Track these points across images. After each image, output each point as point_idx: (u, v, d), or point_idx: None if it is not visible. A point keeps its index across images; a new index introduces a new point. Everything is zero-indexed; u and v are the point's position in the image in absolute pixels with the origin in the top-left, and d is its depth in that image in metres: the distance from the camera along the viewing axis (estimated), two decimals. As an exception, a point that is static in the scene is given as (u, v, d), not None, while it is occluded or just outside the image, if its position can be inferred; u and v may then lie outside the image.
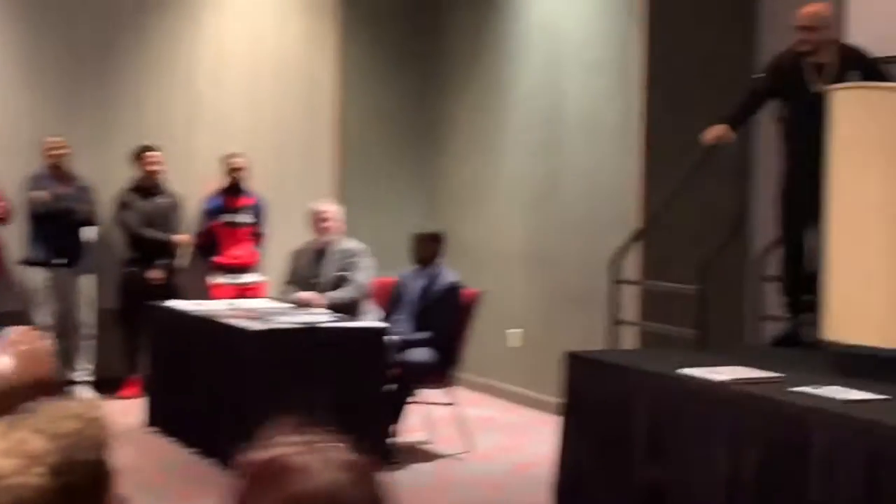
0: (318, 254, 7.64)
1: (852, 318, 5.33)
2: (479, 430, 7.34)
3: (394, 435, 6.76)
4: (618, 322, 6.85)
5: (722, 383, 5.04)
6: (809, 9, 6.20)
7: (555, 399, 6.33)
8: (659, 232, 7.11)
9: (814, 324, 6.08)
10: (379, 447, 6.24)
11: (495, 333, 8.59)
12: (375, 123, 9.60)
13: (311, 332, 6.62)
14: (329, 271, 7.54)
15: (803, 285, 6.31)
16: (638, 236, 7.01)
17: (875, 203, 5.24)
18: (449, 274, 7.23)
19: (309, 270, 7.62)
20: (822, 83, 6.04)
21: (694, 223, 7.20)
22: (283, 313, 7.09)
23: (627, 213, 7.64)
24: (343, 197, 8.99)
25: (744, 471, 4.72)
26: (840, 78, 6.03)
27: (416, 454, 7.04)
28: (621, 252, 6.87)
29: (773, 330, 6.50)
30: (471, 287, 7.34)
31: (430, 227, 7.90)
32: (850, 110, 5.43)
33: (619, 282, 6.85)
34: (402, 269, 7.43)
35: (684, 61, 7.65)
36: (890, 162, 5.19)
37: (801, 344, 6.26)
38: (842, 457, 4.35)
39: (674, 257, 7.19)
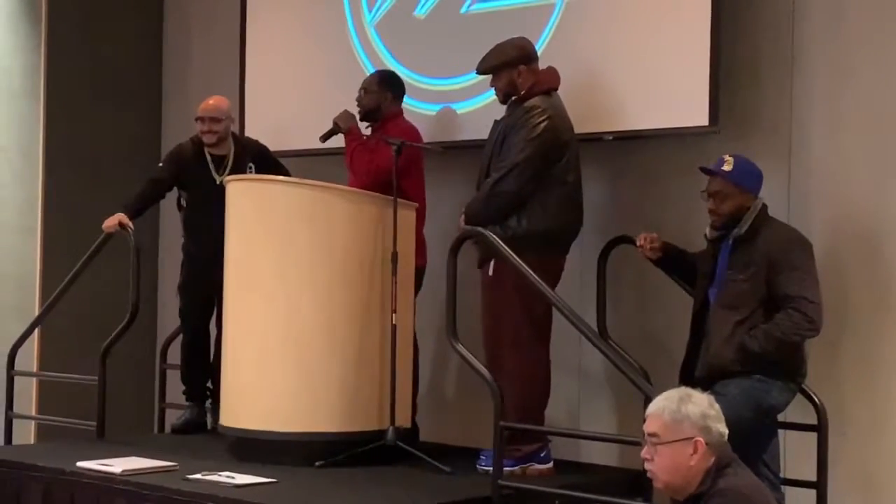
0: None
1: (247, 403, 5.45)
2: None
3: None
4: (13, 416, 6.55)
5: (115, 475, 5.00)
6: (211, 101, 6.34)
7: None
8: (59, 321, 6.91)
9: (214, 410, 6.20)
10: None
11: None
12: None
13: None
14: None
15: (205, 373, 6.39)
16: (35, 324, 6.76)
17: (269, 291, 5.41)
18: None
19: None
20: (221, 174, 6.19)
21: (95, 311, 7.08)
22: None
23: (28, 300, 7.38)
24: None
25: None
26: (238, 169, 6.22)
27: None
28: (19, 342, 6.59)
29: (176, 417, 6.49)
30: None
31: None
32: (246, 201, 5.59)
33: (17, 373, 6.56)
34: None
35: (83, 145, 7.59)
36: (282, 251, 5.39)
37: (202, 431, 6.34)
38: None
39: (75, 347, 7.02)
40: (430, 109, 6.29)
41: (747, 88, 5.46)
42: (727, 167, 4.69)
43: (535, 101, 5.25)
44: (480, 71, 5.47)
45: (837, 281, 5.05)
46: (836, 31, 5.26)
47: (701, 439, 3.31)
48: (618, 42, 5.66)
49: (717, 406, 3.38)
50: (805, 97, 5.33)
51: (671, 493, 3.40)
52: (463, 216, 5.31)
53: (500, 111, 5.46)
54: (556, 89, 5.36)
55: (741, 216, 4.66)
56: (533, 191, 5.17)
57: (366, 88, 6.00)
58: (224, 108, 6.37)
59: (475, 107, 6.11)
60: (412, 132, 5.86)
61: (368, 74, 6.18)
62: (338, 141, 5.96)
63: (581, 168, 5.34)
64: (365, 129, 6.00)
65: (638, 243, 5.11)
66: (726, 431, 3.36)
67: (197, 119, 6.32)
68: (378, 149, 5.63)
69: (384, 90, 5.97)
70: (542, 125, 5.17)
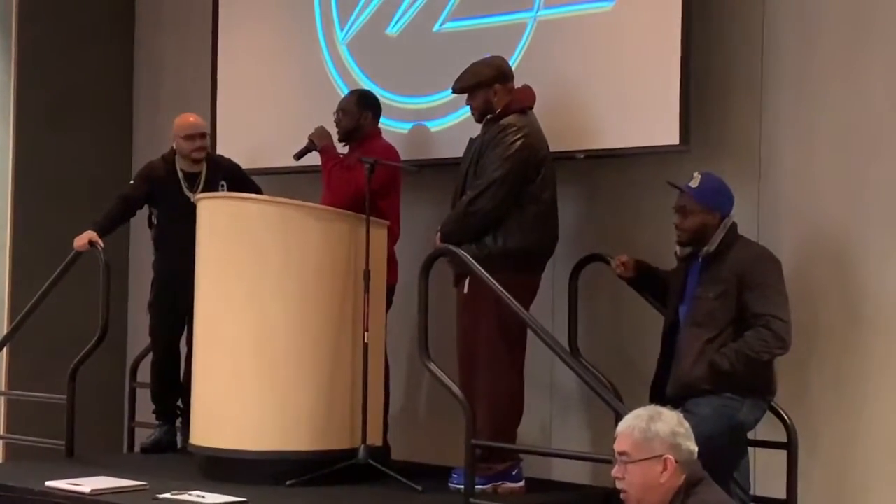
0: None
1: (217, 422, 5.43)
2: None
3: None
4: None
5: (84, 494, 4.97)
6: (192, 118, 6.33)
7: None
8: (28, 339, 6.87)
9: (185, 429, 6.17)
10: None
11: None
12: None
13: None
14: None
15: (175, 392, 6.36)
16: (3, 343, 6.71)
17: (240, 309, 5.40)
18: None
19: None
20: (194, 191, 6.19)
21: (64, 330, 7.03)
22: None
23: (-3, 320, 7.36)
24: None
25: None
26: (210, 187, 6.21)
27: None
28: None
29: (146, 437, 6.45)
30: None
31: None
32: (218, 218, 5.58)
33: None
34: None
35: (54, 164, 7.56)
36: (253, 269, 5.38)
37: (172, 450, 6.31)
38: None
39: (44, 365, 6.98)
40: (404, 128, 6.30)
41: (718, 108, 5.49)
42: (693, 183, 4.73)
43: (510, 119, 5.27)
44: (456, 90, 5.49)
45: (807, 299, 5.08)
46: (805, 52, 5.30)
47: (670, 457, 3.32)
48: (589, 61, 5.69)
49: (686, 424, 3.39)
50: (775, 117, 5.37)
51: (639, 512, 3.41)
52: (438, 234, 5.31)
53: (474, 129, 5.47)
54: (532, 107, 5.38)
55: (705, 233, 4.69)
56: (508, 209, 5.18)
57: (343, 109, 5.99)
58: (204, 126, 6.42)
59: (448, 124, 6.12)
60: (390, 151, 5.86)
61: (344, 95, 6.18)
62: (311, 159, 5.96)
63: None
64: (342, 147, 6.00)
65: (613, 265, 5.14)
66: (696, 449, 3.37)
67: (186, 137, 6.27)
68: (356, 167, 5.63)
69: (362, 110, 5.97)
70: (518, 143, 5.18)
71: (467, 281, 5.22)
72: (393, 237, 5.80)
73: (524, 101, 5.37)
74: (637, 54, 5.53)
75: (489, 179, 5.16)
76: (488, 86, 5.34)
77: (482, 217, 5.18)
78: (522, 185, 5.19)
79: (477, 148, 5.32)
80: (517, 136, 5.19)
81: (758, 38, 5.42)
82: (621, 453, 3.39)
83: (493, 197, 5.16)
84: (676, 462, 3.32)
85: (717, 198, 4.73)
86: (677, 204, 4.75)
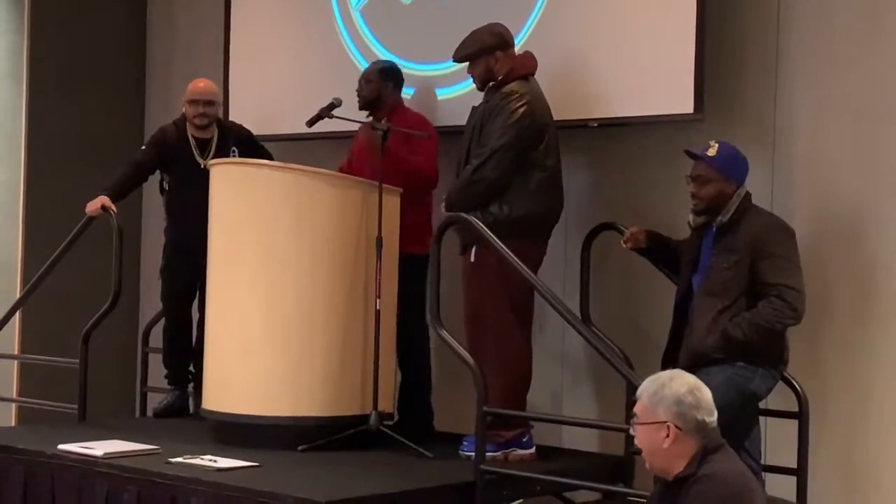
0: None
1: (230, 387, 5.45)
2: None
3: None
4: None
5: (96, 458, 5.00)
6: (201, 84, 6.31)
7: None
8: (41, 304, 6.89)
9: (197, 394, 6.20)
10: None
11: None
12: None
13: None
14: None
15: (187, 356, 6.38)
16: (16, 307, 6.73)
17: (252, 275, 5.41)
18: None
19: None
20: (205, 157, 6.18)
21: (77, 295, 7.05)
22: None
23: (10, 284, 7.36)
24: None
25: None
26: (222, 153, 6.21)
27: None
28: (-1, 325, 6.58)
29: (158, 401, 6.48)
30: None
31: None
32: (229, 185, 5.58)
33: (-2, 356, 6.56)
34: None
35: (66, 128, 7.57)
36: (265, 235, 5.39)
37: (184, 414, 6.34)
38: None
39: (57, 330, 7.01)
40: (407, 93, 6.24)
41: (732, 76, 5.47)
42: (711, 152, 4.70)
43: (512, 86, 5.25)
44: (457, 59, 5.46)
45: (820, 269, 5.07)
46: (821, 21, 5.27)
47: (672, 424, 3.32)
48: (604, 29, 5.65)
49: (700, 394, 3.38)
50: (790, 87, 5.34)
51: (657, 473, 3.43)
52: (444, 203, 5.31)
53: (479, 98, 5.45)
54: (534, 74, 5.35)
55: (721, 202, 4.67)
56: (513, 176, 5.17)
57: (367, 78, 5.99)
58: (217, 91, 6.43)
59: (457, 94, 6.08)
60: (421, 120, 5.86)
61: (369, 63, 6.17)
62: (323, 126, 5.94)
63: (565, 154, 5.34)
64: (366, 117, 5.97)
65: (623, 240, 5.12)
66: (709, 419, 3.36)
67: (189, 102, 6.27)
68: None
69: (385, 80, 5.96)
70: (521, 110, 5.16)
71: (473, 249, 5.21)
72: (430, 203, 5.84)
73: (526, 67, 5.34)
74: (652, 21, 5.50)
75: (493, 147, 5.15)
76: (489, 53, 5.32)
77: (487, 185, 5.17)
78: (526, 153, 5.18)
79: (480, 116, 5.31)
80: (520, 104, 5.17)
81: (773, 7, 5.38)
82: (634, 414, 3.42)
83: (497, 165, 5.14)
84: (680, 430, 3.32)
85: (733, 167, 4.70)
86: (693, 172, 4.73)
